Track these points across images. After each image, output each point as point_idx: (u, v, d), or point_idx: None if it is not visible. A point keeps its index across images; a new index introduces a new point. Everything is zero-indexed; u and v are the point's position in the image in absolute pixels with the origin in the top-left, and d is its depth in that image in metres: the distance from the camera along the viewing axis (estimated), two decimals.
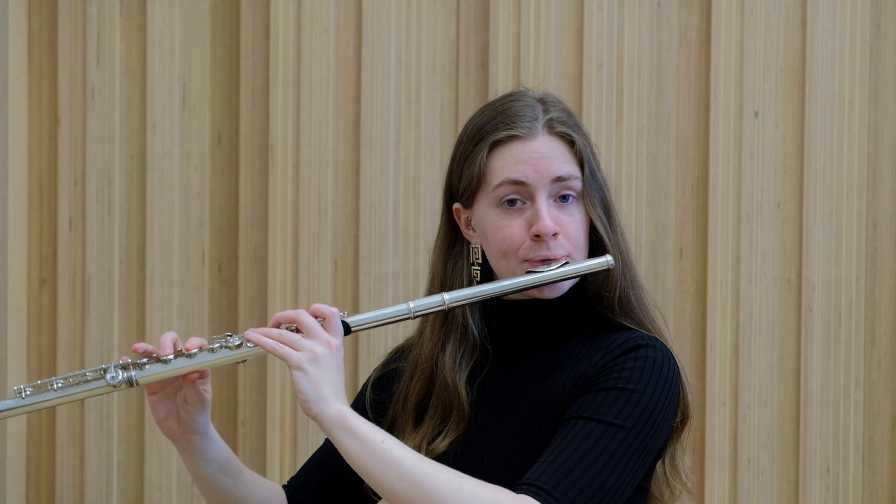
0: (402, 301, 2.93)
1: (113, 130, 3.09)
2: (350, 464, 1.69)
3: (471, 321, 1.87)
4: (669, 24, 2.86)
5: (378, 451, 1.67)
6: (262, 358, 3.01)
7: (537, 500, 1.65)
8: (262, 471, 2.96)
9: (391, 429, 1.89)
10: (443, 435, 1.84)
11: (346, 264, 2.95)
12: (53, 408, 2.98)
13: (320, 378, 1.71)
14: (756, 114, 2.82)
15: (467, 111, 2.92)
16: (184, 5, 3.06)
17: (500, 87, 2.86)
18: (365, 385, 1.99)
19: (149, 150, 3.07)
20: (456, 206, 1.91)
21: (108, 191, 3.09)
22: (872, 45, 2.81)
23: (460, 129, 2.91)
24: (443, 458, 1.79)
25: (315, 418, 1.71)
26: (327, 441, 1.97)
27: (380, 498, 1.92)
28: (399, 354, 2.00)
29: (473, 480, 1.67)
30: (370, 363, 2.91)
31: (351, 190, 2.97)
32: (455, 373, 1.86)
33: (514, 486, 1.68)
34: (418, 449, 1.83)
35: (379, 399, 1.93)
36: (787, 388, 2.83)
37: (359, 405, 1.96)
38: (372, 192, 2.95)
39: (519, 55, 2.89)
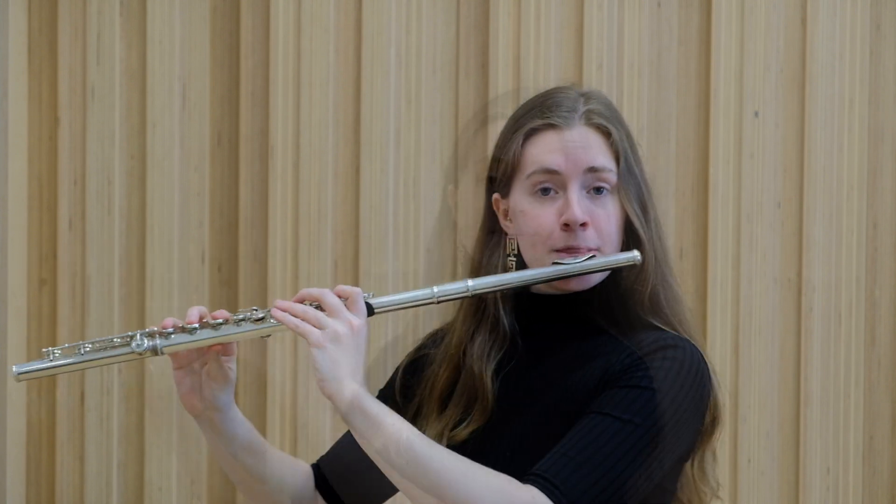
0: None
1: (113, 130, 3.08)
2: (361, 445, 1.70)
3: (502, 313, 1.88)
4: (669, 24, 2.86)
5: (388, 433, 1.68)
6: (262, 359, 3.01)
7: (543, 492, 1.64)
8: None
9: (417, 414, 1.89)
10: (465, 423, 1.85)
11: (346, 264, 2.95)
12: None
13: (339, 358, 1.72)
14: (756, 114, 2.82)
15: (467, 111, 2.92)
16: (184, 5, 3.05)
17: (500, 87, 2.86)
18: (397, 369, 2.00)
19: (149, 150, 3.07)
20: (495, 196, 1.91)
21: (108, 191, 3.09)
22: (872, 45, 2.81)
23: (460, 129, 2.92)
24: (463, 446, 1.79)
25: (330, 398, 1.71)
26: None
27: None
28: (433, 340, 2.00)
29: (481, 467, 1.66)
30: (370, 362, 2.90)
31: (351, 190, 2.97)
32: (483, 363, 1.86)
33: (523, 476, 1.67)
34: (440, 436, 1.83)
35: (408, 384, 1.94)
36: (787, 388, 2.83)
37: (389, 389, 1.96)
38: (372, 192, 2.95)
39: (519, 55, 2.89)
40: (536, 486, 1.64)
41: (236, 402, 3.00)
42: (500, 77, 2.88)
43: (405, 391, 1.94)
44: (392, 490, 1.95)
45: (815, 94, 2.81)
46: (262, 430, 2.99)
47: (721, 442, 2.81)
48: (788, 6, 2.82)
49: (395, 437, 1.67)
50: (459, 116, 2.92)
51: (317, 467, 1.98)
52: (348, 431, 1.98)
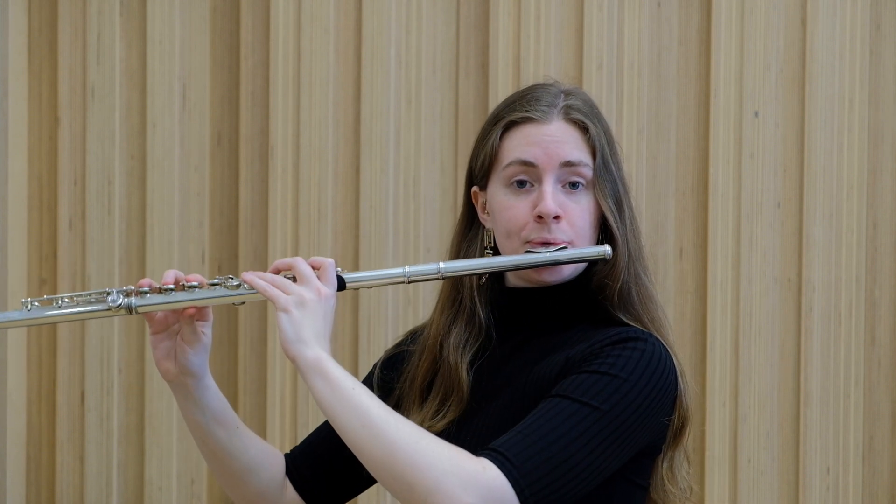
0: (402, 300, 2.95)
1: (113, 130, 3.09)
2: (320, 408, 1.72)
3: (478, 306, 1.90)
4: (669, 24, 2.86)
5: (346, 396, 1.70)
6: (262, 358, 3.01)
7: (495, 463, 1.66)
8: None
9: (397, 407, 1.90)
10: (442, 414, 1.87)
11: (346, 264, 2.95)
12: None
13: (303, 321, 1.75)
14: (756, 114, 2.82)
15: (467, 111, 2.92)
16: (184, 5, 3.06)
17: (500, 86, 2.87)
18: (374, 365, 2.02)
19: (149, 150, 3.07)
20: (474, 189, 1.93)
21: (108, 191, 3.09)
22: (872, 45, 2.81)
23: (460, 129, 2.92)
24: (438, 437, 1.80)
25: (293, 360, 1.74)
26: None
27: None
28: (411, 337, 2.02)
29: (435, 438, 1.69)
30: (370, 362, 2.91)
31: (351, 190, 2.97)
32: (458, 355, 1.89)
33: (478, 451, 1.69)
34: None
35: (386, 378, 1.95)
36: (787, 388, 2.83)
37: (367, 383, 1.97)
38: (372, 192, 2.95)
39: (519, 55, 2.89)
40: (489, 459, 1.66)
41: (237, 402, 3.02)
42: (500, 77, 2.88)
43: (383, 385, 1.95)
44: (361, 486, 1.98)
45: (815, 94, 2.81)
46: (263, 430, 2.99)
47: (721, 442, 2.82)
48: (788, 6, 2.82)
49: (354, 401, 1.69)
50: (459, 116, 2.92)
51: (290, 456, 1.99)
52: (322, 424, 2.03)
